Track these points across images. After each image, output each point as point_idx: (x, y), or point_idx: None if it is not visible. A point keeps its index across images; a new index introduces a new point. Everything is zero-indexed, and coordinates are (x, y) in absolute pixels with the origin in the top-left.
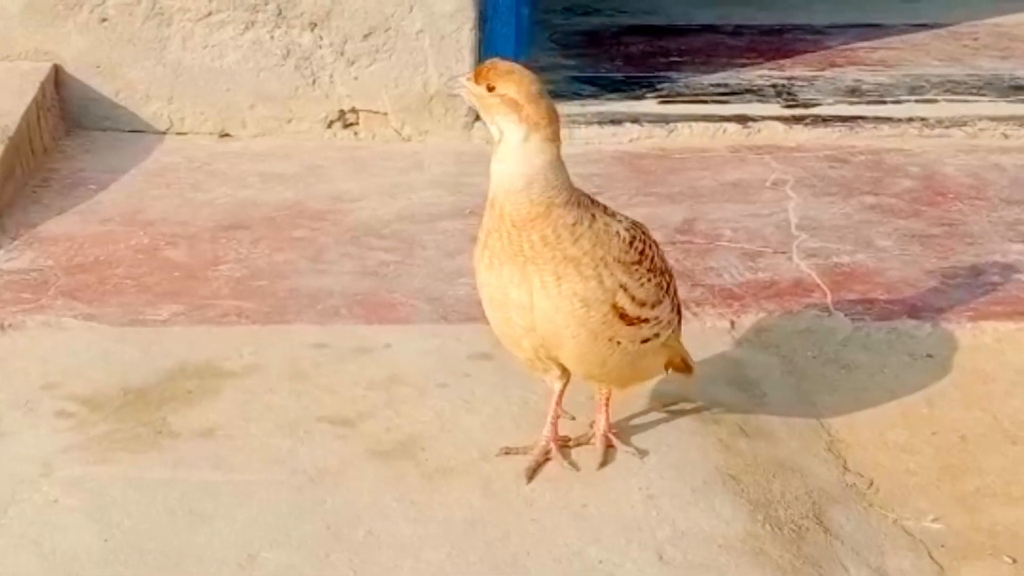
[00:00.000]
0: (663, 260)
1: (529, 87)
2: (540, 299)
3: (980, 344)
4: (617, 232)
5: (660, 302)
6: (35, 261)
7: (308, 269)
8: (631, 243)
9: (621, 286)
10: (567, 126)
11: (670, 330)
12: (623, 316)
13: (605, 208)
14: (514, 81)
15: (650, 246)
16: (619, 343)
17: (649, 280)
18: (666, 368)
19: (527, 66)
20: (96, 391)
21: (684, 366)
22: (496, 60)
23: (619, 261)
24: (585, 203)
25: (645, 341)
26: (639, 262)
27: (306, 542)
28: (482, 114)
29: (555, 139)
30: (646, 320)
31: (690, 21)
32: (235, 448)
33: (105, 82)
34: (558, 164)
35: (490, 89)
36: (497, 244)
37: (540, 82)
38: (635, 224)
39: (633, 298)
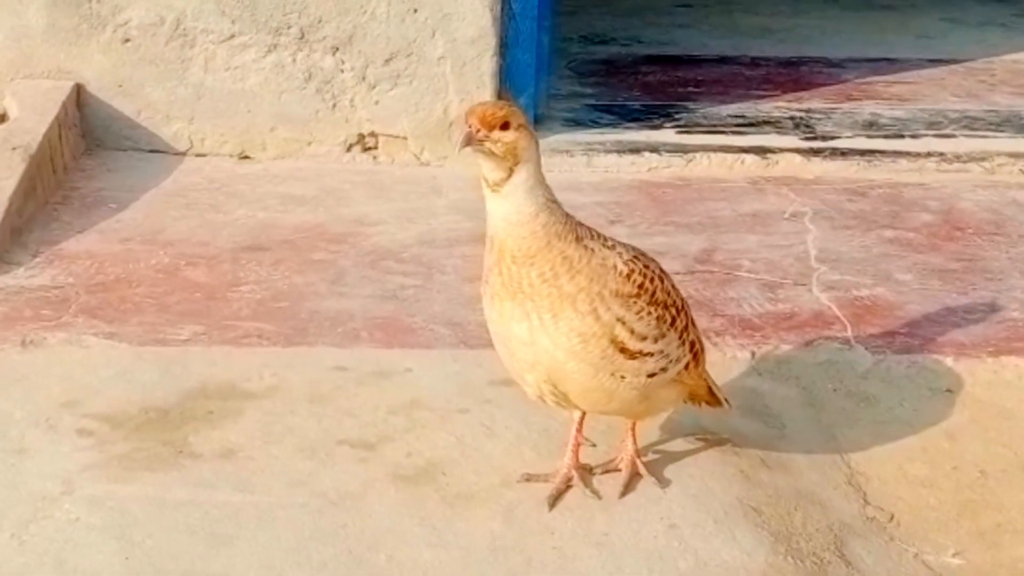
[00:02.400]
0: (670, 293)
1: (522, 113)
2: (539, 335)
3: (1000, 380)
4: (614, 265)
5: (663, 336)
6: (56, 279)
7: (328, 292)
8: (628, 276)
9: (619, 320)
10: (586, 153)
11: (680, 365)
12: (623, 350)
13: (604, 240)
14: (516, 110)
15: (652, 279)
16: (623, 377)
17: (649, 313)
18: (695, 402)
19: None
20: (117, 410)
21: (713, 399)
22: (482, 103)
23: (616, 295)
24: (583, 235)
25: (652, 376)
26: (638, 295)
27: (327, 565)
28: (494, 160)
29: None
30: (649, 354)
31: (706, 52)
32: (256, 470)
33: (127, 102)
34: (552, 194)
35: (504, 127)
36: (497, 281)
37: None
38: (638, 257)
39: (632, 331)
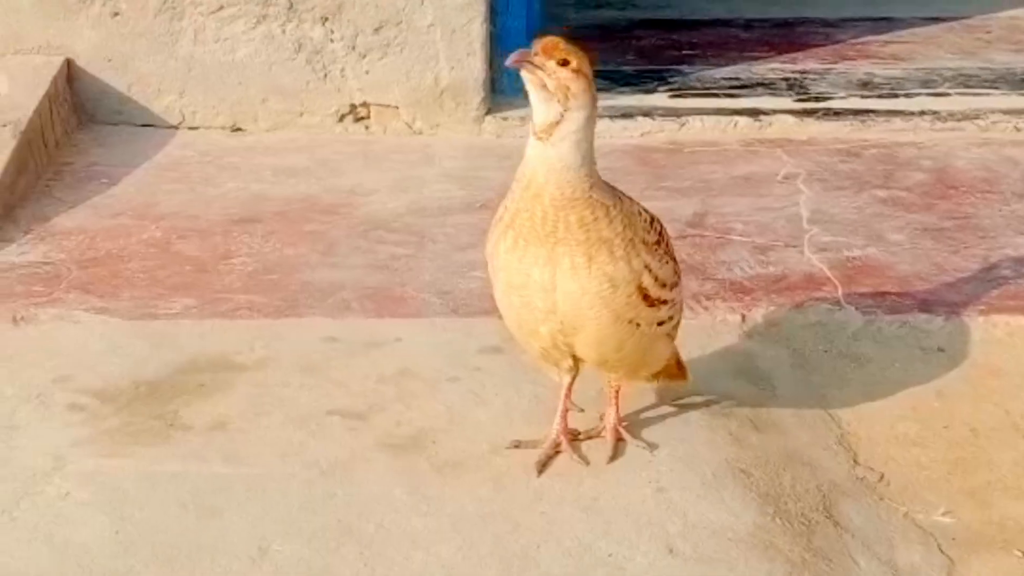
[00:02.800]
0: (673, 246)
1: (591, 67)
2: (566, 280)
3: (991, 338)
4: (640, 212)
5: (677, 284)
6: (48, 255)
7: (320, 263)
8: (651, 223)
9: (646, 267)
10: None
11: (680, 315)
12: (646, 297)
13: (623, 194)
14: (585, 59)
15: (661, 231)
16: (638, 325)
17: (667, 262)
18: (656, 377)
19: None
20: (108, 384)
21: (679, 369)
22: (558, 37)
23: (644, 242)
24: (609, 186)
25: (661, 324)
26: (659, 243)
27: (317, 535)
28: (543, 93)
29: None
30: (665, 301)
31: (702, 15)
32: (247, 441)
33: (117, 76)
34: (593, 152)
35: (563, 64)
36: (527, 224)
37: None
38: (646, 210)
39: (656, 278)
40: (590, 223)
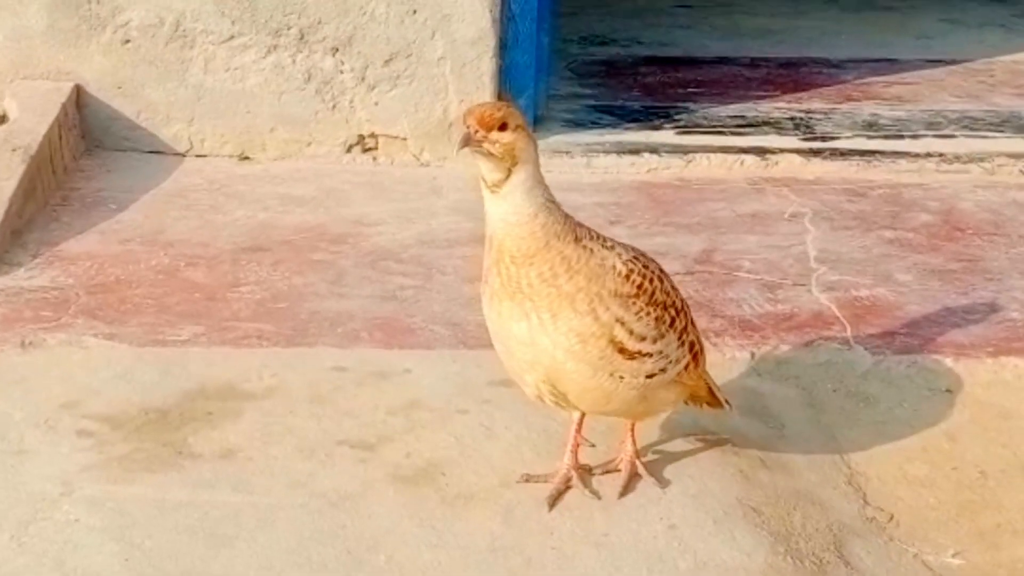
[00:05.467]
0: (669, 294)
1: (520, 113)
2: (539, 335)
3: (1000, 380)
4: (613, 265)
5: (662, 336)
6: (56, 280)
7: (328, 292)
8: (627, 276)
9: (617, 320)
10: (586, 154)
11: (680, 366)
12: (622, 350)
13: (604, 240)
14: (514, 111)
15: (651, 280)
16: (622, 378)
17: (648, 314)
18: (696, 404)
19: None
20: (116, 411)
21: (714, 400)
22: (480, 104)
23: (615, 295)
24: (582, 235)
25: (651, 376)
26: (636, 295)
27: (327, 566)
28: (492, 161)
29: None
30: (648, 354)
31: (706, 53)
32: (256, 470)
33: (127, 103)
34: (551, 195)
35: (502, 128)
36: (496, 281)
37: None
38: (637, 257)
39: (631, 332)
40: (549, 278)
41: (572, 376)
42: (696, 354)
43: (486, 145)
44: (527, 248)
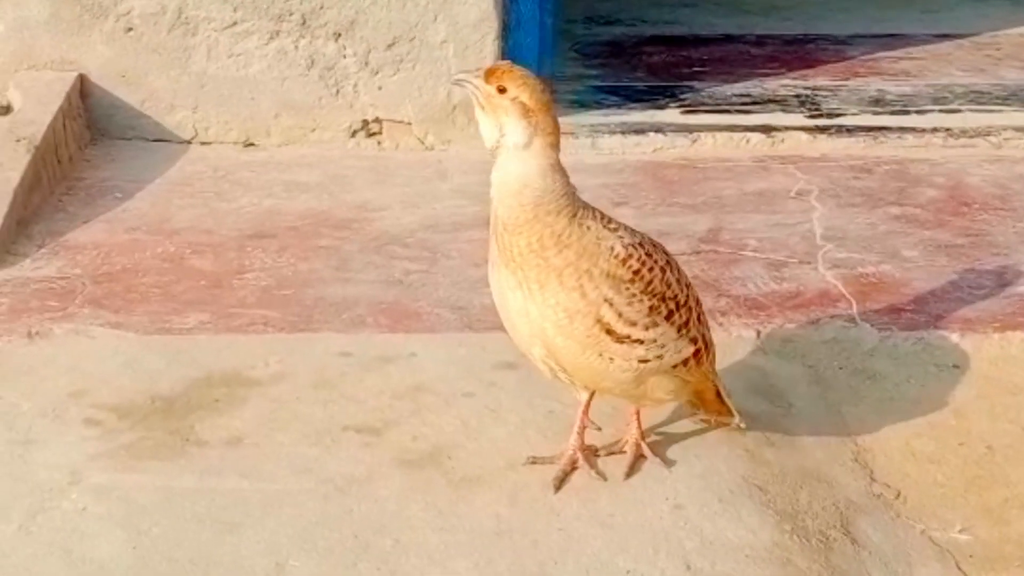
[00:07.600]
0: (672, 286)
1: (541, 95)
2: (530, 305)
3: (1007, 355)
4: (612, 247)
5: (656, 325)
6: (62, 269)
7: (333, 278)
8: (624, 260)
9: (606, 300)
10: (591, 135)
11: (678, 357)
12: (610, 332)
13: (608, 222)
14: (528, 87)
15: (651, 268)
16: (612, 359)
17: (641, 301)
18: (705, 409)
19: (543, 77)
20: (124, 399)
21: (722, 407)
22: (510, 64)
23: (607, 275)
24: (584, 215)
25: (644, 362)
26: (631, 281)
27: (334, 551)
28: (483, 113)
29: (556, 147)
30: (639, 340)
31: (712, 31)
32: (262, 457)
33: (130, 91)
34: (558, 171)
35: (500, 91)
36: (495, 248)
37: (549, 92)
38: (643, 244)
39: (620, 315)
40: (537, 249)
41: (563, 352)
42: (699, 351)
43: (469, 87)
44: (515, 217)
